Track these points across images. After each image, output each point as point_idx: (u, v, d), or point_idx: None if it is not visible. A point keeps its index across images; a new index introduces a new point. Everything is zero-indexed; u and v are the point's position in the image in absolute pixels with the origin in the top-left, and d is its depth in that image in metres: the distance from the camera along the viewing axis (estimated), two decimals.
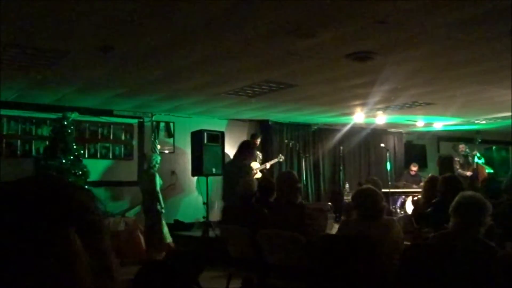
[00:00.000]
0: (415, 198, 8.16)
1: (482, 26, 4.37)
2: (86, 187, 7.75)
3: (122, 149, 9.34)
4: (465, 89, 7.34)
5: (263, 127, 10.76)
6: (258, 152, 9.60)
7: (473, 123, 11.18)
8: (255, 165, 9.29)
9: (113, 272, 0.73)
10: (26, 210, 0.67)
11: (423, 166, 12.89)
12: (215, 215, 9.36)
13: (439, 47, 5.08)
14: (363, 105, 8.66)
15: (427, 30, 4.47)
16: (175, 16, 4.08)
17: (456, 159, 11.39)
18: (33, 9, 3.95)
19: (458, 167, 11.17)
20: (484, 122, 10.99)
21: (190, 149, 9.17)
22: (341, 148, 11.14)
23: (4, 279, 0.64)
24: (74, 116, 8.13)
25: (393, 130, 12.70)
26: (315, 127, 11.46)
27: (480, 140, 11.32)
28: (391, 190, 9.36)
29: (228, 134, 9.66)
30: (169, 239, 7.86)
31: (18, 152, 8.33)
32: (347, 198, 9.19)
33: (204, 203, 8.76)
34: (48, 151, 7.87)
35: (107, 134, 9.17)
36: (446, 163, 12.44)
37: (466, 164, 11.20)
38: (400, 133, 12.98)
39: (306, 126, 11.25)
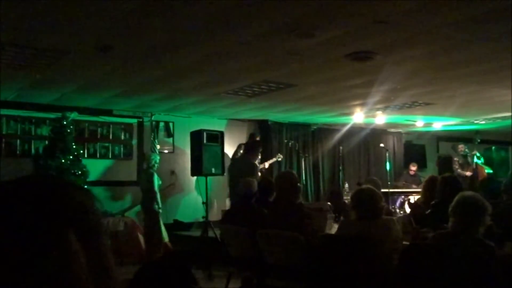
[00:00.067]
0: (411, 200, 8.17)
1: (482, 26, 4.37)
2: (86, 186, 7.78)
3: (122, 148, 9.34)
4: (464, 89, 7.34)
5: (262, 127, 10.76)
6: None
7: (473, 123, 11.19)
8: None
9: (112, 272, 0.73)
10: (24, 210, 0.67)
11: (422, 166, 12.90)
12: (215, 215, 9.37)
13: (438, 47, 5.09)
14: (362, 105, 8.66)
15: (426, 30, 4.47)
16: (175, 16, 4.08)
17: (455, 159, 11.40)
18: (33, 9, 3.94)
19: (457, 167, 11.18)
20: (483, 122, 11.00)
21: (189, 149, 9.16)
22: (341, 148, 11.14)
23: (1, 279, 0.64)
24: (74, 115, 8.12)
25: (392, 130, 12.71)
26: (315, 127, 11.46)
27: (479, 140, 11.32)
28: (391, 190, 9.35)
29: (228, 134, 9.66)
30: (166, 239, 7.86)
31: (18, 152, 8.33)
32: (347, 198, 9.19)
33: (203, 203, 8.76)
34: (47, 151, 7.87)
35: (106, 133, 9.17)
36: (445, 163, 12.45)
37: (465, 164, 11.20)
38: (400, 133, 12.99)
39: (306, 126, 11.25)
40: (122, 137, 9.36)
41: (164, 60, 5.52)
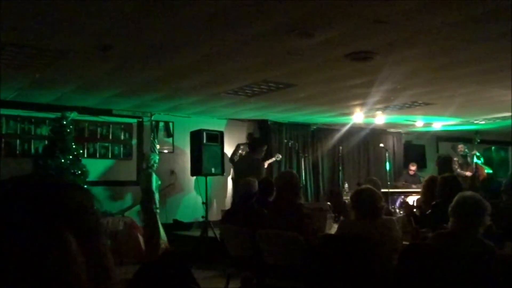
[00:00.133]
0: (410, 201, 8.16)
1: (482, 26, 4.37)
2: (85, 186, 7.79)
3: (121, 148, 9.34)
4: (464, 89, 7.34)
5: (262, 127, 10.76)
6: None
7: (472, 123, 11.19)
8: None
9: (111, 272, 0.73)
10: (22, 210, 0.67)
11: (422, 166, 12.90)
12: (214, 215, 9.37)
13: (438, 47, 5.08)
14: (362, 105, 8.66)
15: (426, 30, 4.47)
16: (175, 16, 4.08)
17: (455, 159, 11.40)
18: (32, 8, 3.94)
19: (457, 167, 11.18)
20: (483, 122, 11.00)
21: (189, 149, 9.18)
22: (340, 148, 11.14)
23: (0, 279, 0.63)
24: (73, 115, 8.12)
25: (392, 130, 12.71)
26: (314, 127, 11.46)
27: (479, 140, 11.32)
28: (390, 190, 9.35)
29: (227, 133, 9.67)
30: (163, 239, 7.85)
31: (17, 152, 8.33)
32: (346, 198, 9.19)
33: (203, 203, 8.76)
34: (47, 151, 7.87)
35: (106, 133, 9.17)
36: (445, 163, 12.44)
37: (465, 164, 11.20)
38: (399, 133, 12.99)
39: (305, 126, 11.25)
40: (122, 137, 9.36)
41: (164, 60, 5.52)
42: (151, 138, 9.03)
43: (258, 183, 5.75)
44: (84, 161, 8.23)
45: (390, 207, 8.33)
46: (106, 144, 9.17)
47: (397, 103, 8.57)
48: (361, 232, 3.98)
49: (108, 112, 9.00)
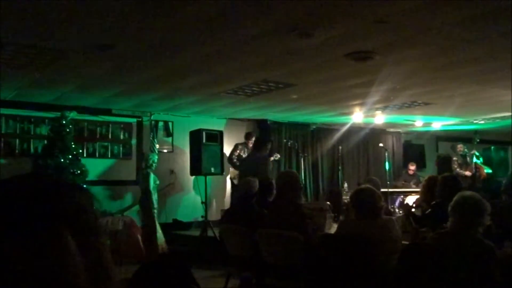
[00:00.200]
0: (409, 201, 8.17)
1: (481, 26, 4.37)
2: (85, 186, 7.78)
3: (121, 148, 9.34)
4: (464, 89, 7.34)
5: (262, 127, 10.76)
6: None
7: (472, 123, 11.19)
8: None
9: (111, 272, 0.73)
10: (21, 209, 0.67)
11: (421, 166, 12.90)
12: (214, 215, 9.37)
13: (438, 47, 5.08)
14: (361, 104, 8.66)
15: (426, 30, 4.47)
16: (174, 15, 4.07)
17: (454, 159, 11.40)
18: (32, 8, 3.94)
19: (456, 166, 11.18)
20: (482, 122, 11.01)
21: (188, 149, 9.17)
22: (340, 147, 11.13)
23: None
24: (73, 115, 8.12)
25: (391, 130, 12.71)
26: (314, 127, 11.46)
27: (478, 140, 11.32)
28: (390, 189, 9.35)
29: (227, 133, 9.67)
30: (160, 240, 7.85)
31: (17, 151, 8.32)
32: (346, 197, 9.19)
33: (202, 203, 8.76)
34: (46, 150, 7.86)
35: (105, 133, 9.16)
36: (444, 163, 12.44)
37: (464, 164, 11.21)
38: (399, 133, 12.99)
39: (305, 125, 11.25)
40: (121, 136, 9.36)
41: (163, 59, 5.52)
42: (151, 138, 9.03)
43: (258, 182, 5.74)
44: (84, 160, 8.23)
45: (390, 207, 8.33)
46: (106, 144, 9.17)
47: (397, 103, 8.57)
48: (361, 232, 3.97)
49: (108, 112, 9.00)
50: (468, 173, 10.98)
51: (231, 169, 9.49)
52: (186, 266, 1.37)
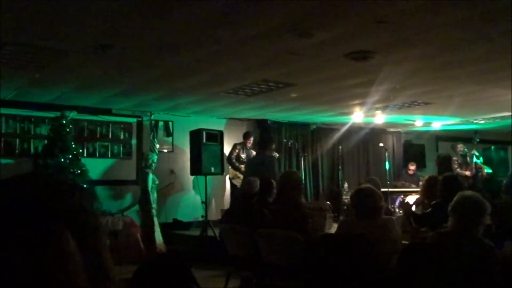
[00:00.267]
0: (410, 201, 8.18)
1: (481, 26, 4.36)
2: (85, 186, 7.78)
3: (121, 148, 9.34)
4: (463, 89, 7.34)
5: (262, 126, 10.76)
6: (252, 151, 9.61)
7: (472, 123, 11.19)
8: None
9: (110, 272, 0.73)
10: (21, 209, 0.67)
11: (421, 165, 12.90)
12: (213, 214, 9.37)
13: (438, 47, 5.08)
14: (362, 104, 8.66)
15: (426, 30, 4.47)
16: (174, 15, 4.07)
17: (454, 158, 11.40)
18: (31, 7, 3.94)
19: (456, 166, 11.18)
20: (482, 122, 11.00)
21: (189, 148, 9.17)
22: (340, 147, 11.14)
23: None
24: (73, 115, 8.12)
25: (391, 129, 12.71)
26: (314, 127, 11.46)
27: (478, 140, 11.32)
28: (390, 189, 9.36)
29: (227, 133, 9.67)
30: (158, 241, 7.84)
31: (17, 151, 8.32)
32: (346, 197, 9.19)
33: (202, 202, 8.77)
34: (46, 150, 7.86)
35: (105, 133, 9.16)
36: (444, 162, 12.44)
37: (464, 164, 11.21)
38: (399, 132, 12.99)
39: (305, 125, 11.26)
40: (122, 136, 9.36)
41: (163, 59, 5.52)
42: (151, 138, 9.02)
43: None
44: (84, 160, 8.23)
45: (390, 207, 8.33)
46: (106, 144, 9.17)
47: (397, 103, 8.57)
48: (361, 232, 3.97)
49: (108, 112, 9.00)
50: (468, 173, 10.98)
51: (230, 169, 9.49)
52: (186, 266, 1.37)
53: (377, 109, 9.21)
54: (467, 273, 3.12)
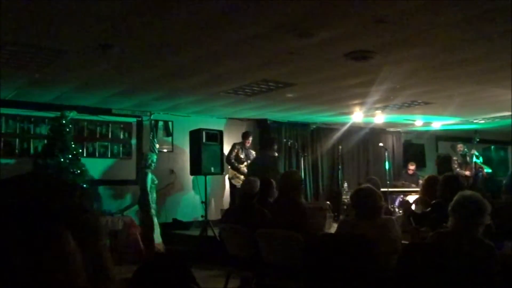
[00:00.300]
0: (405, 200, 8.19)
1: (481, 26, 4.36)
2: (84, 186, 7.77)
3: (121, 148, 9.34)
4: (463, 89, 7.34)
5: (261, 126, 10.76)
6: (251, 151, 9.62)
7: (472, 123, 11.19)
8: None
9: (110, 272, 0.73)
10: (21, 208, 0.67)
11: (421, 165, 12.90)
12: (213, 214, 9.38)
13: (437, 47, 5.08)
14: (361, 104, 8.66)
15: (425, 29, 4.47)
16: (174, 15, 4.07)
17: (454, 158, 11.40)
18: (31, 7, 3.94)
19: (456, 166, 11.18)
20: (482, 121, 11.00)
21: (188, 148, 9.18)
22: (340, 147, 11.14)
23: None
24: (73, 114, 8.12)
25: (391, 129, 12.71)
26: (314, 126, 11.46)
27: (478, 140, 11.33)
28: (390, 189, 9.36)
29: (227, 133, 9.67)
30: (157, 241, 7.84)
31: (17, 151, 8.32)
32: (346, 197, 9.20)
33: (202, 202, 8.77)
34: (46, 150, 7.86)
35: (105, 133, 9.16)
36: (444, 162, 12.45)
37: (464, 164, 11.21)
38: (399, 132, 13.00)
39: (305, 125, 11.26)
40: (121, 136, 9.36)
41: (163, 59, 5.52)
42: (151, 138, 9.03)
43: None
44: (84, 160, 8.23)
45: (390, 207, 8.34)
46: (106, 144, 9.17)
47: (397, 103, 8.57)
48: (361, 232, 3.98)
49: (108, 112, 9.00)
50: (468, 173, 10.98)
51: (230, 169, 9.49)
52: (186, 266, 1.37)
53: (377, 109, 9.21)
54: (467, 273, 3.12)
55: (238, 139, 9.74)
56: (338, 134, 11.45)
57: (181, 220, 9.40)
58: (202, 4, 3.86)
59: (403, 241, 4.07)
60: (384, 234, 3.94)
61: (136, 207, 8.51)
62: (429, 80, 6.71)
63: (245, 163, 9.34)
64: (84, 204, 0.73)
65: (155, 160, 8.21)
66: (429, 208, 4.88)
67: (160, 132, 9.66)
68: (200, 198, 8.92)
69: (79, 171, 7.78)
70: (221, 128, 9.56)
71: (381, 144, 11.20)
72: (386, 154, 10.64)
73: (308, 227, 4.61)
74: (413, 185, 10.56)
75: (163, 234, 8.10)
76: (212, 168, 8.65)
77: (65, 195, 0.72)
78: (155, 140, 9.01)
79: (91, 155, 8.93)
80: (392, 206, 8.84)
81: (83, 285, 0.67)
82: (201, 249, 7.49)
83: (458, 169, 11.01)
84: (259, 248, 4.75)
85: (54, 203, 0.70)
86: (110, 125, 9.18)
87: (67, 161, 7.71)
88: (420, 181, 10.21)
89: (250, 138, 9.58)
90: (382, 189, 6.65)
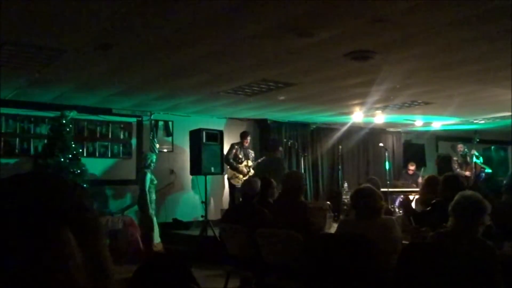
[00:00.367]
0: (405, 199, 8.18)
1: (481, 25, 4.36)
2: (84, 185, 7.76)
3: (121, 147, 9.34)
4: (463, 89, 7.34)
5: (261, 126, 10.76)
6: (250, 150, 9.62)
7: (472, 123, 11.19)
8: (248, 163, 9.35)
9: (110, 272, 0.73)
10: (21, 207, 0.67)
11: (421, 165, 12.90)
12: (213, 214, 9.38)
13: (437, 47, 5.08)
14: (361, 104, 8.66)
15: (425, 29, 4.47)
16: (174, 14, 4.07)
17: (454, 158, 11.40)
18: (31, 7, 3.94)
19: (456, 166, 11.18)
20: (482, 121, 11.00)
21: (188, 148, 9.18)
22: (340, 147, 11.15)
23: None
24: (73, 114, 8.12)
25: (391, 129, 12.71)
26: (314, 126, 11.46)
27: (478, 140, 11.33)
28: (390, 189, 9.36)
29: (227, 133, 9.67)
30: (156, 241, 7.84)
31: (17, 151, 8.32)
32: (346, 197, 9.20)
33: (202, 202, 8.77)
34: (46, 150, 7.86)
35: (105, 132, 9.16)
36: (444, 162, 12.45)
37: (464, 164, 11.21)
38: (399, 132, 13.00)
39: (305, 125, 11.26)
40: (121, 136, 9.36)
41: (163, 59, 5.52)
42: (151, 137, 9.03)
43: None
44: (84, 160, 8.23)
45: (390, 207, 8.34)
46: (106, 143, 9.17)
47: (397, 103, 8.57)
48: (361, 232, 3.97)
49: (108, 111, 9.00)
50: (468, 173, 10.98)
51: (228, 169, 9.49)
52: (186, 266, 1.37)
53: (377, 109, 9.21)
54: (467, 273, 3.12)
55: (238, 139, 9.74)
56: (338, 134, 11.46)
57: (181, 220, 9.40)
58: (202, 4, 3.86)
59: (403, 241, 4.07)
60: (384, 234, 3.93)
61: (136, 207, 8.52)
62: (429, 80, 6.70)
63: (244, 163, 9.34)
64: (84, 203, 0.73)
65: (154, 160, 8.21)
66: (429, 208, 4.88)
67: (160, 132, 9.66)
68: (200, 198, 8.91)
69: (79, 171, 7.78)
70: (221, 128, 9.56)
71: (381, 144, 11.21)
72: (386, 154, 10.64)
73: (309, 228, 4.62)
74: (413, 185, 10.57)
75: (163, 234, 8.10)
76: (212, 168, 8.65)
77: (65, 194, 0.72)
78: (155, 140, 9.01)
79: (91, 155, 8.93)
80: (392, 206, 8.84)
81: (83, 285, 0.67)
82: (201, 249, 7.49)
83: (458, 169, 11.01)
84: (259, 248, 4.75)
85: (54, 202, 0.70)
86: (110, 125, 9.18)
87: (67, 161, 7.71)
88: (420, 180, 10.25)
89: (249, 138, 9.58)
90: (382, 189, 6.65)
